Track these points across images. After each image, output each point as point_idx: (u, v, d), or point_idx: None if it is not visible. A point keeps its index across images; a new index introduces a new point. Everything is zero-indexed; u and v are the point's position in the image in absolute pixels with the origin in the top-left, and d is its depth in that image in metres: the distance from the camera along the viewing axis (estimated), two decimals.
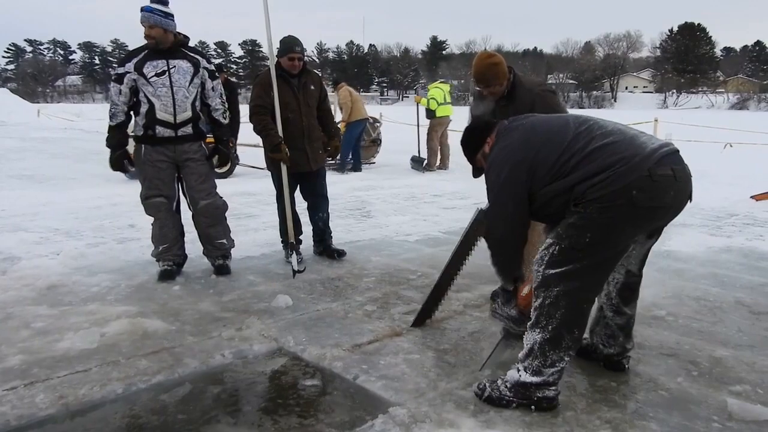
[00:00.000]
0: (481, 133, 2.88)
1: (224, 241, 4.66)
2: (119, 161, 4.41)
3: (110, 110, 4.33)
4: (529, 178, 2.56)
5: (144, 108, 4.30)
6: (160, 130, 4.33)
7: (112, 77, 4.35)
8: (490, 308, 3.09)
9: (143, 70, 4.25)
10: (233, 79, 8.52)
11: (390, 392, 2.72)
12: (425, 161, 11.66)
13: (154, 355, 3.12)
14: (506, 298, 2.89)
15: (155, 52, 4.28)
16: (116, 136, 4.38)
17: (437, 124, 11.57)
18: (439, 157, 11.75)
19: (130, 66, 4.26)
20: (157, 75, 4.26)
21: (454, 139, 12.02)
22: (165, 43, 4.28)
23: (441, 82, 12.02)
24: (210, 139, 4.67)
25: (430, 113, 11.48)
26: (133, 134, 4.48)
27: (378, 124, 12.57)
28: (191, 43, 4.53)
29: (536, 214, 2.69)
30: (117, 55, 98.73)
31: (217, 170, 8.54)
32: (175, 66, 4.31)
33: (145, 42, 4.30)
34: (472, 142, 2.91)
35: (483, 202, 3.51)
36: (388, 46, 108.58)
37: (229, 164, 9.86)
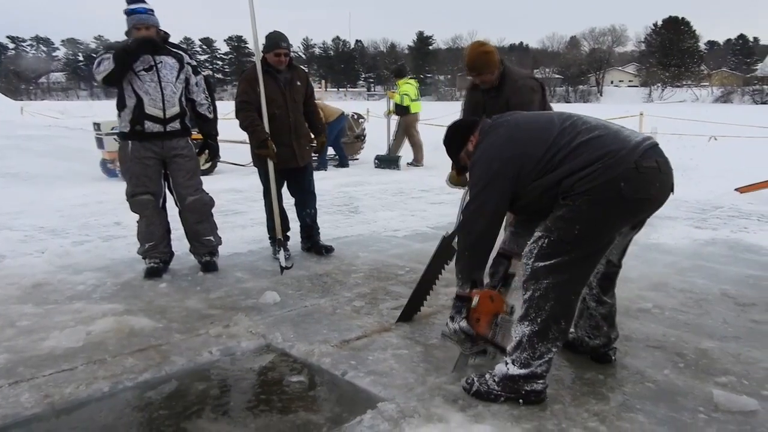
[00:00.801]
0: (465, 131, 2.88)
1: (211, 237, 4.64)
2: (136, 42, 4.11)
3: (98, 60, 4.14)
4: (516, 174, 2.56)
5: (131, 102, 4.25)
6: (149, 125, 4.28)
7: (100, 52, 4.23)
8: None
9: (131, 63, 4.19)
10: (205, 73, 8.51)
11: (379, 387, 2.72)
12: (399, 158, 11.52)
13: (141, 352, 3.10)
14: (458, 308, 2.77)
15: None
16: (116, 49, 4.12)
17: (414, 120, 11.56)
18: (409, 151, 11.70)
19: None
20: (145, 70, 4.21)
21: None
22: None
23: (410, 78, 11.96)
24: (196, 135, 4.64)
25: (403, 109, 11.39)
26: (118, 131, 4.43)
27: (362, 120, 12.51)
28: (176, 41, 4.49)
29: (524, 210, 2.70)
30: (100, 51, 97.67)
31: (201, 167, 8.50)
32: (161, 61, 4.27)
33: (126, 38, 4.25)
34: (455, 140, 2.91)
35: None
36: (374, 41, 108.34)
37: (212, 162, 9.81)
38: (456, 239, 3.35)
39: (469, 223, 2.71)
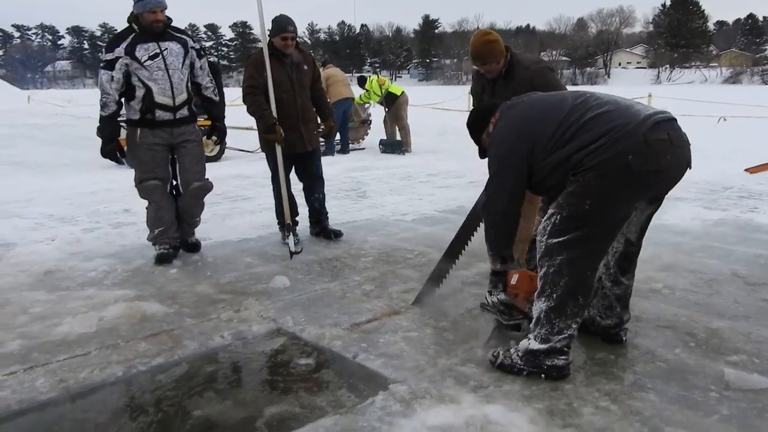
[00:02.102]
0: (486, 114, 2.97)
1: (198, 219, 4.78)
2: (112, 152, 4.35)
3: (101, 99, 4.22)
4: (528, 153, 2.62)
5: (140, 92, 4.24)
6: (160, 114, 4.29)
7: (101, 64, 4.25)
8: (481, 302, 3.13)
9: (135, 54, 4.17)
10: (211, 59, 8.68)
11: (390, 369, 2.73)
12: (402, 143, 11.44)
13: (154, 337, 3.12)
14: (494, 282, 2.98)
15: (143, 34, 4.21)
16: (109, 127, 4.29)
17: (404, 102, 11.56)
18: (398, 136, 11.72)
19: (120, 51, 4.17)
20: (151, 58, 4.19)
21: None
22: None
23: (370, 77, 12.04)
24: (203, 122, 4.64)
25: (390, 99, 11.43)
26: (126, 118, 4.43)
27: (368, 105, 12.43)
28: (181, 26, 4.48)
29: (537, 187, 2.75)
30: (106, 39, 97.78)
31: (207, 153, 8.60)
32: (167, 48, 4.26)
33: (128, 25, 4.26)
34: (477, 124, 3.01)
35: (477, 181, 3.51)
36: (380, 25, 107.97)
37: (219, 148, 9.83)
38: None
39: (489, 203, 2.82)
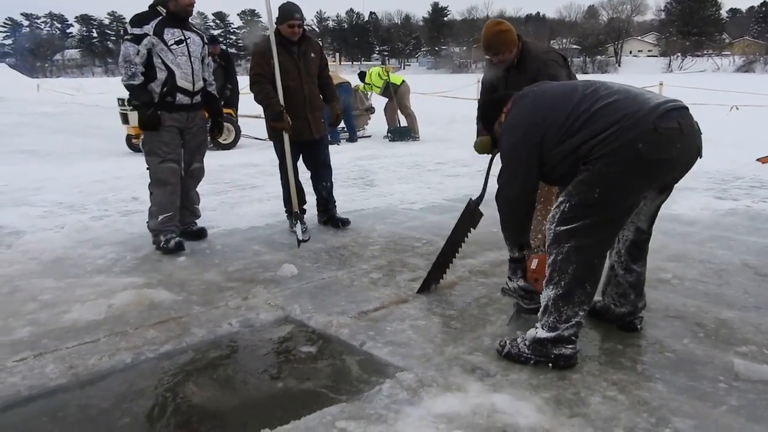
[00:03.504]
0: (498, 104, 2.98)
1: (198, 206, 4.86)
2: (154, 116, 4.30)
3: (128, 70, 4.21)
4: (539, 141, 2.62)
5: (162, 75, 4.29)
6: (180, 98, 4.38)
7: (127, 37, 4.24)
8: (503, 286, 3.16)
9: (164, 36, 4.25)
10: (223, 47, 8.66)
11: (397, 357, 2.73)
12: (409, 129, 11.43)
13: (162, 325, 3.14)
14: (513, 269, 3.00)
15: (170, 20, 4.29)
16: (144, 94, 4.29)
17: (406, 92, 11.54)
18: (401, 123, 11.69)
19: (149, 28, 4.22)
20: (176, 43, 4.30)
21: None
22: None
23: (370, 71, 12.00)
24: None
25: (394, 87, 11.39)
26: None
27: (370, 94, 12.39)
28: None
29: (547, 176, 2.75)
30: (115, 27, 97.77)
31: (221, 141, 8.63)
32: (190, 37, 4.39)
33: (151, 9, 4.31)
34: (489, 113, 3.03)
35: (485, 170, 3.49)
36: (388, 13, 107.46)
37: (233, 135, 9.85)
38: (480, 204, 3.46)
39: (503, 191, 2.81)
